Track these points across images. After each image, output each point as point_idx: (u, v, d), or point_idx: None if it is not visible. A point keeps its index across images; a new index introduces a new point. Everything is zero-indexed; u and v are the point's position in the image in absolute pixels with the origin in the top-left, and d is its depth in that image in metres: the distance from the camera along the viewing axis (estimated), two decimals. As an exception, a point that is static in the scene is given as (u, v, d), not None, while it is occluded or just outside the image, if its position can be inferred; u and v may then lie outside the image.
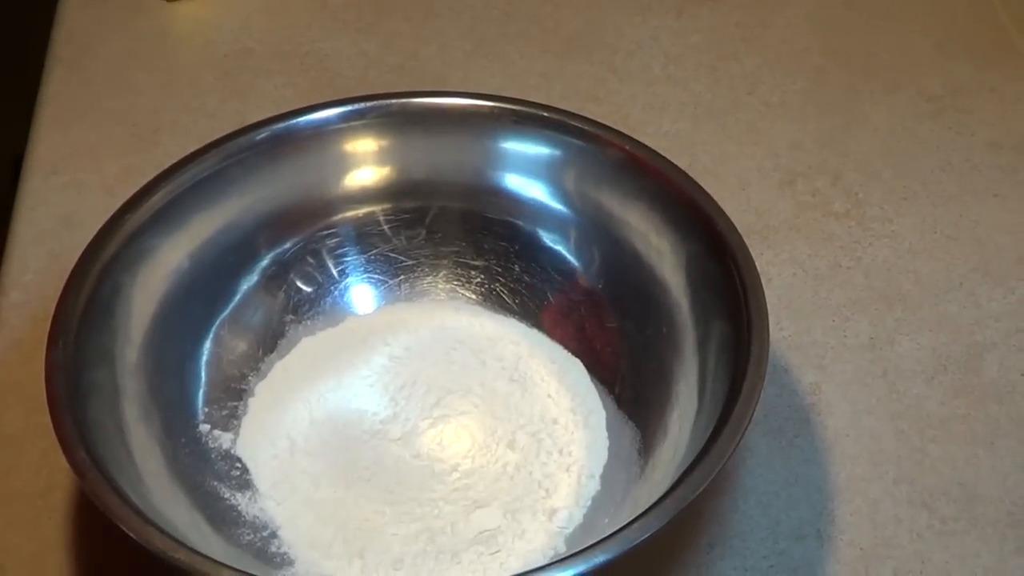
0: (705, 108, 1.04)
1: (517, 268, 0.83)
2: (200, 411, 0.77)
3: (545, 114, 0.81)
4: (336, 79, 1.05)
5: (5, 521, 0.76)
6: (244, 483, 0.75)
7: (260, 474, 0.75)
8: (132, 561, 0.72)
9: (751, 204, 0.95)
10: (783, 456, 0.80)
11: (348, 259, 0.84)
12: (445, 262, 0.85)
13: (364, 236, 0.84)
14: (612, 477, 0.75)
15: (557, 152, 0.81)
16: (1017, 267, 0.91)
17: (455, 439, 0.77)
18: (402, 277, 0.84)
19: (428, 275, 0.84)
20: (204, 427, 0.76)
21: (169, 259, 0.76)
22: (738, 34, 1.11)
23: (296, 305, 0.82)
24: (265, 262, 0.81)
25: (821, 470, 0.80)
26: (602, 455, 0.76)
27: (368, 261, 0.84)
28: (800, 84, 1.06)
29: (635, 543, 0.61)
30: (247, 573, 0.60)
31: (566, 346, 0.82)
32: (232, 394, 0.79)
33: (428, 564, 0.71)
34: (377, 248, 0.84)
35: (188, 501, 0.71)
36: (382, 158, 0.83)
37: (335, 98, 0.82)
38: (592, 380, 0.80)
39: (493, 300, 0.84)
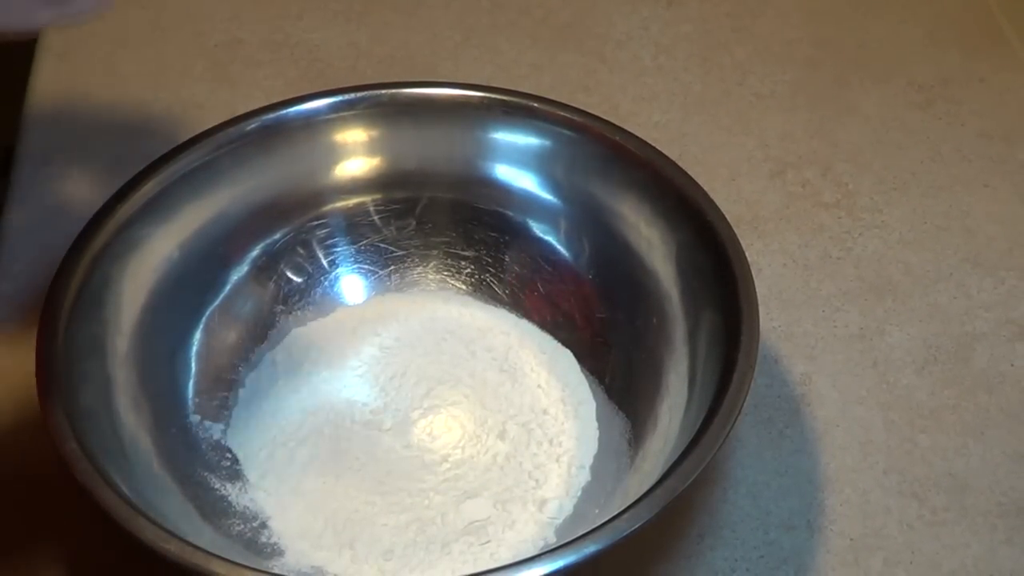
0: (695, 98, 1.04)
1: (507, 258, 0.84)
2: (190, 401, 0.77)
3: (535, 104, 0.81)
4: (326, 70, 1.05)
5: (-5, 512, 0.77)
6: (234, 473, 0.75)
7: (250, 464, 0.75)
8: (123, 551, 0.72)
9: (741, 195, 0.95)
10: (773, 447, 0.80)
11: (338, 250, 0.84)
12: (435, 252, 0.85)
13: (354, 227, 0.84)
14: (602, 467, 0.75)
15: (547, 143, 0.81)
16: (1007, 257, 0.92)
17: (445, 429, 0.77)
18: (392, 268, 0.84)
19: (418, 265, 0.84)
20: (194, 417, 0.76)
21: (159, 249, 0.76)
22: (728, 24, 1.11)
23: (286, 296, 0.82)
24: (255, 252, 0.81)
25: (811, 460, 0.80)
26: (592, 445, 0.77)
27: (358, 252, 0.84)
28: (790, 74, 1.06)
29: (625, 533, 0.61)
30: (237, 563, 0.60)
31: (556, 336, 0.82)
32: (222, 384, 0.79)
33: (418, 554, 0.71)
34: (367, 239, 0.84)
35: (178, 491, 0.71)
36: (372, 149, 0.83)
37: (325, 88, 0.82)
38: (582, 370, 0.80)
39: (483, 290, 0.84)
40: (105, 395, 0.70)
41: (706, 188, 0.76)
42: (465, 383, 0.79)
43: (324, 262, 0.83)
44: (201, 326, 0.79)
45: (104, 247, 0.73)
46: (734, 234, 0.74)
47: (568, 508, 0.73)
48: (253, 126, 0.80)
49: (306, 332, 0.82)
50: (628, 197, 0.79)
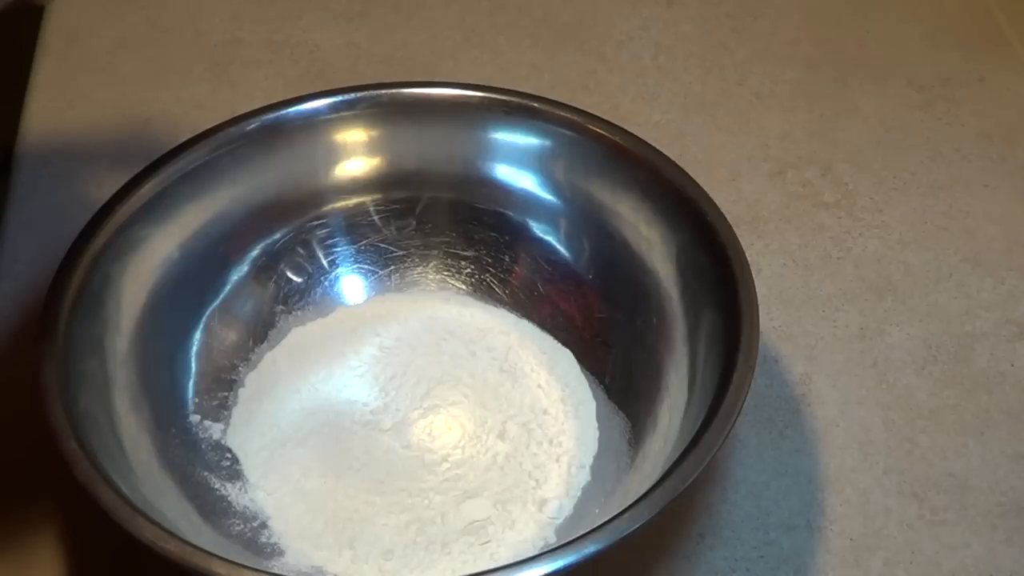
0: (695, 98, 1.04)
1: (507, 258, 0.83)
2: (190, 401, 0.77)
3: (535, 104, 0.81)
4: (326, 70, 1.05)
5: (-5, 512, 0.77)
6: (234, 473, 0.75)
7: (250, 464, 0.75)
8: (122, 551, 0.72)
9: (741, 195, 0.95)
10: (773, 447, 0.80)
11: (338, 250, 0.84)
12: (435, 252, 0.85)
13: (354, 227, 0.84)
14: (602, 467, 0.75)
15: (547, 142, 0.81)
16: (1007, 257, 0.92)
17: (445, 429, 0.77)
18: (392, 267, 0.84)
19: (418, 265, 0.84)
20: (194, 417, 0.76)
21: (159, 249, 0.76)
22: (728, 24, 1.11)
23: (286, 296, 0.82)
24: (255, 252, 0.81)
25: (811, 460, 0.80)
26: (592, 445, 0.77)
27: (358, 252, 0.84)
28: (790, 75, 1.06)
29: (625, 533, 0.61)
30: (237, 563, 0.60)
31: (556, 336, 0.82)
32: (222, 384, 0.79)
33: (418, 554, 0.71)
34: (367, 239, 0.84)
35: (178, 491, 0.71)
36: (372, 149, 0.83)
37: (325, 89, 0.82)
38: (582, 370, 0.80)
39: (483, 290, 0.84)
40: (105, 395, 0.70)
41: (706, 188, 0.76)
42: (465, 383, 0.79)
43: (324, 262, 0.83)
44: (201, 326, 0.79)
45: (104, 247, 0.73)
46: (734, 234, 0.74)
47: (568, 508, 0.73)
48: (253, 126, 0.80)
49: (306, 332, 0.82)
50: (628, 197, 0.79)
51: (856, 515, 0.77)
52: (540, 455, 0.76)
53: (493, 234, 0.84)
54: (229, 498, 0.74)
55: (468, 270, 0.84)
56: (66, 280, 0.70)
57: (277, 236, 0.82)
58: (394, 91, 0.82)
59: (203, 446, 0.76)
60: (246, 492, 0.74)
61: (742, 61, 1.08)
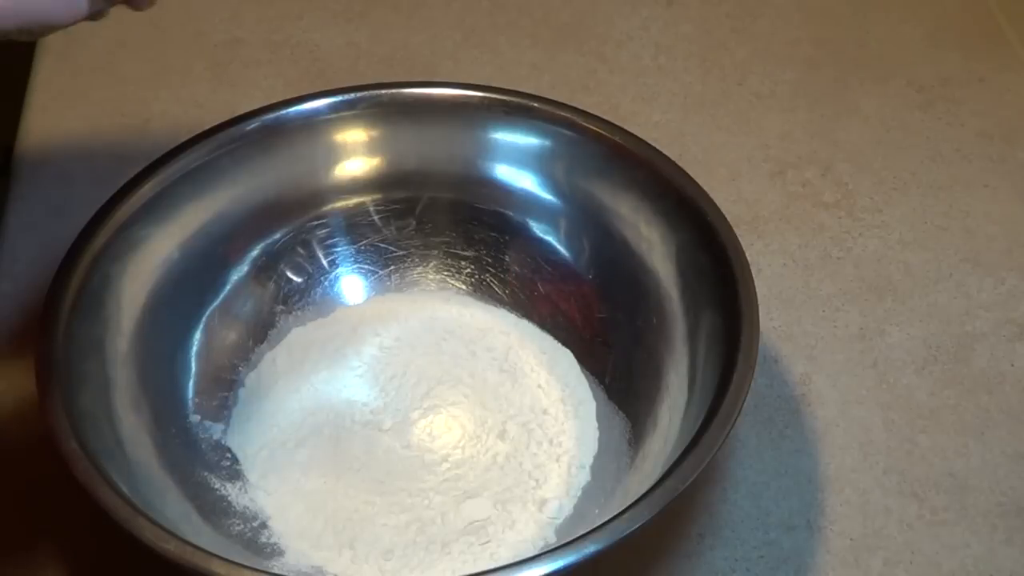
0: (695, 99, 1.04)
1: (507, 258, 0.83)
2: (190, 401, 0.77)
3: (535, 105, 0.81)
4: (326, 70, 1.05)
5: (-5, 512, 0.76)
6: (234, 473, 0.75)
7: (250, 464, 0.75)
8: (123, 551, 0.72)
9: (741, 195, 0.95)
10: (773, 447, 0.80)
11: (338, 250, 0.84)
12: (435, 252, 0.85)
13: (354, 227, 0.84)
14: (602, 467, 0.75)
15: (547, 143, 0.81)
16: (1007, 257, 0.92)
17: (445, 429, 0.77)
18: (392, 267, 0.84)
19: (418, 265, 0.84)
20: (194, 417, 0.76)
21: (159, 249, 0.76)
22: (728, 24, 1.11)
23: (286, 296, 0.82)
24: (255, 252, 0.81)
25: (811, 460, 0.80)
26: (592, 445, 0.77)
27: (358, 252, 0.84)
28: (790, 75, 1.06)
29: (625, 533, 0.61)
30: (237, 563, 0.60)
31: (556, 336, 0.82)
32: (222, 384, 0.79)
33: (418, 554, 0.71)
34: (367, 239, 0.84)
35: (178, 491, 0.71)
36: (372, 149, 0.83)
37: (325, 89, 0.82)
38: (582, 370, 0.80)
39: (483, 290, 0.84)
40: (105, 395, 0.70)
41: (706, 188, 0.76)
42: (465, 383, 0.79)
43: (324, 262, 0.83)
44: (201, 326, 0.79)
45: (104, 247, 0.73)
46: (734, 234, 0.74)
47: (568, 508, 0.73)
48: (253, 126, 0.80)
49: (306, 332, 0.82)
50: (628, 197, 0.79)
51: (856, 515, 0.77)
52: (540, 455, 0.76)
53: (493, 234, 0.84)
54: (229, 498, 0.74)
55: (468, 270, 0.84)
56: (66, 280, 0.70)
57: (277, 236, 0.82)
58: (394, 91, 0.82)
59: (203, 446, 0.76)
60: (246, 492, 0.74)
61: (742, 61, 1.08)
